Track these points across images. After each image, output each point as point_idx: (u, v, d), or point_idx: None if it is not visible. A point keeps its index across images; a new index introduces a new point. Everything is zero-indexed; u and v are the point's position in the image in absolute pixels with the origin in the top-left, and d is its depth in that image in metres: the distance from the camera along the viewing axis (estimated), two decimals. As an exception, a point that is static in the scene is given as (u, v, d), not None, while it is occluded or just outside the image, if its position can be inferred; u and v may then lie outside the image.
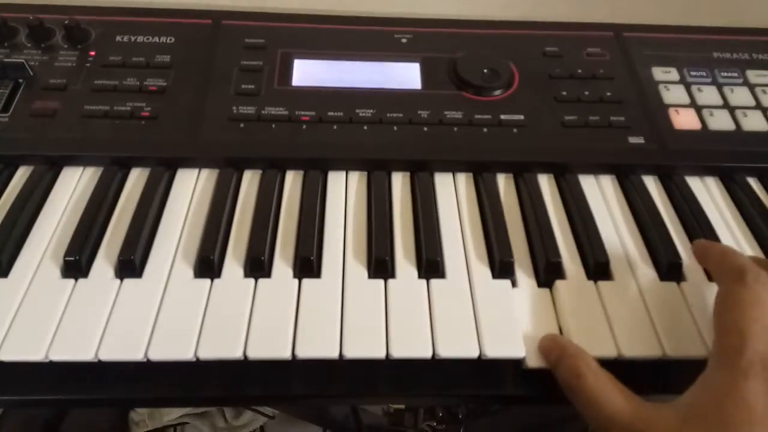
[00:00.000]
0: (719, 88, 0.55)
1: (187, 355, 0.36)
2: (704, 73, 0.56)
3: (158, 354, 0.36)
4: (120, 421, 0.90)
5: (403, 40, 0.57)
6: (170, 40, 0.55)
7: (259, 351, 0.36)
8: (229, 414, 0.91)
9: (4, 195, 0.45)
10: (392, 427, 0.85)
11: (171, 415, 0.90)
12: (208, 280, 0.40)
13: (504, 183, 0.48)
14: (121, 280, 0.40)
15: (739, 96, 0.54)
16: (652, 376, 0.38)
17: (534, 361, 0.37)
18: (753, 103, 0.53)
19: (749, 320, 0.32)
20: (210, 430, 0.92)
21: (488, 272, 0.42)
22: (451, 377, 0.38)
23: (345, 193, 0.47)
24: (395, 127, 0.50)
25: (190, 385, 0.37)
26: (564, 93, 0.53)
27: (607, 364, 0.35)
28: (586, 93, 0.53)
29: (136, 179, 0.47)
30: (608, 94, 0.53)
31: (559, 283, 0.41)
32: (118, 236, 0.42)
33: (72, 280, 0.40)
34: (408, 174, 0.49)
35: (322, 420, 0.84)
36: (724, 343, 0.33)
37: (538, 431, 0.73)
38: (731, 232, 0.46)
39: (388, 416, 0.87)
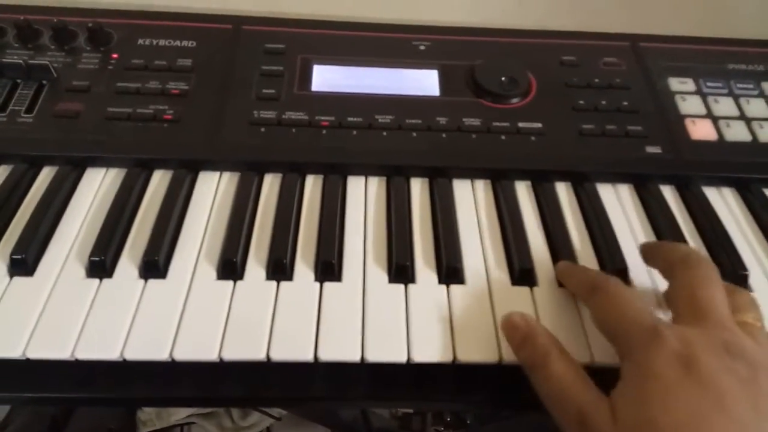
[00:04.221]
0: (735, 99, 0.55)
1: (212, 355, 0.36)
2: (720, 84, 0.56)
3: (183, 354, 0.36)
4: (127, 420, 0.91)
5: (422, 47, 0.57)
6: (192, 44, 0.55)
7: (282, 353, 0.37)
8: (236, 414, 0.92)
9: (29, 195, 0.46)
10: (400, 431, 0.85)
11: (178, 414, 0.90)
12: (231, 282, 0.40)
13: (522, 191, 0.49)
14: (146, 280, 0.40)
15: (756, 107, 0.54)
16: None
17: None
18: (769, 114, 0.54)
19: (620, 311, 0.33)
20: (217, 430, 0.92)
21: (507, 279, 0.42)
22: (470, 382, 0.39)
23: (364, 198, 0.47)
24: (414, 134, 0.50)
25: (212, 385, 0.38)
26: (581, 102, 0.53)
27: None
28: (603, 102, 0.53)
29: (159, 181, 0.47)
30: (625, 103, 0.53)
31: (576, 291, 0.41)
32: (142, 237, 0.43)
33: (97, 280, 0.40)
34: (427, 180, 0.49)
35: (331, 422, 0.85)
36: (618, 343, 0.33)
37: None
38: (748, 242, 0.46)
39: (396, 419, 0.87)
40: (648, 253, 0.41)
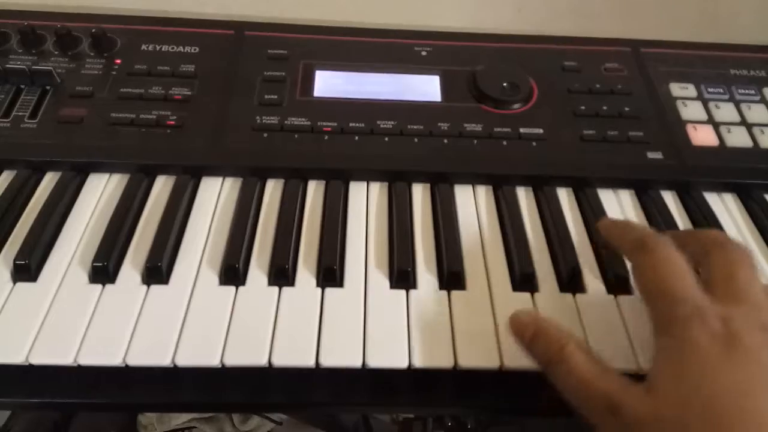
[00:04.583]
0: (737, 104, 0.55)
1: (214, 361, 0.36)
2: (721, 90, 0.56)
3: (185, 360, 0.36)
4: (128, 424, 0.91)
5: (423, 53, 0.58)
6: (194, 49, 0.56)
7: (284, 359, 0.37)
8: (237, 419, 0.92)
9: (32, 200, 0.46)
10: (401, 436, 0.85)
11: (179, 419, 0.90)
12: (233, 288, 0.41)
13: (524, 196, 0.49)
14: (148, 286, 0.40)
15: (757, 113, 0.54)
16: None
17: None
18: (770, 120, 0.54)
19: (666, 280, 0.33)
20: (218, 435, 0.92)
21: (509, 284, 0.42)
22: (471, 387, 0.39)
23: (366, 203, 0.48)
24: (416, 139, 0.50)
25: (214, 391, 0.38)
26: (582, 107, 0.53)
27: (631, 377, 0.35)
28: (605, 108, 0.53)
29: (162, 186, 0.48)
30: (626, 109, 0.53)
31: (578, 297, 0.41)
32: (145, 243, 0.43)
33: (99, 286, 0.40)
34: (428, 185, 0.49)
35: (332, 427, 0.85)
36: (657, 311, 0.33)
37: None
38: (748, 247, 0.46)
39: (397, 424, 0.87)
40: (679, 240, 0.39)
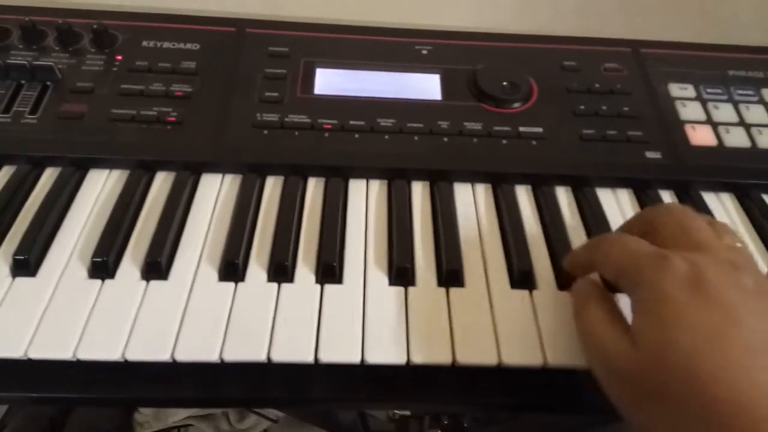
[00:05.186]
0: (735, 105, 0.55)
1: (213, 356, 0.37)
2: (720, 91, 0.56)
3: (184, 355, 0.37)
4: (124, 422, 0.91)
5: (424, 52, 0.58)
6: (195, 46, 0.56)
7: (283, 354, 0.37)
8: (233, 417, 0.92)
9: (32, 195, 0.46)
10: (398, 434, 0.85)
11: (176, 416, 0.90)
12: (233, 284, 0.41)
13: (523, 194, 0.49)
14: (148, 281, 0.40)
15: (755, 113, 0.55)
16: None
17: (557, 361, 0.38)
18: (768, 120, 0.54)
19: (625, 247, 0.34)
20: (214, 432, 0.92)
21: (507, 282, 0.42)
22: (470, 384, 0.39)
23: (366, 201, 0.48)
24: (416, 137, 0.50)
25: (213, 386, 0.38)
26: (582, 107, 0.53)
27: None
28: (604, 107, 0.53)
29: (162, 182, 0.48)
30: (626, 109, 0.54)
31: (576, 295, 0.41)
32: (145, 238, 0.43)
33: (99, 281, 0.40)
34: (428, 183, 0.49)
35: (329, 424, 0.85)
36: (625, 280, 0.34)
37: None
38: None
39: (393, 422, 0.87)
40: (625, 228, 0.40)
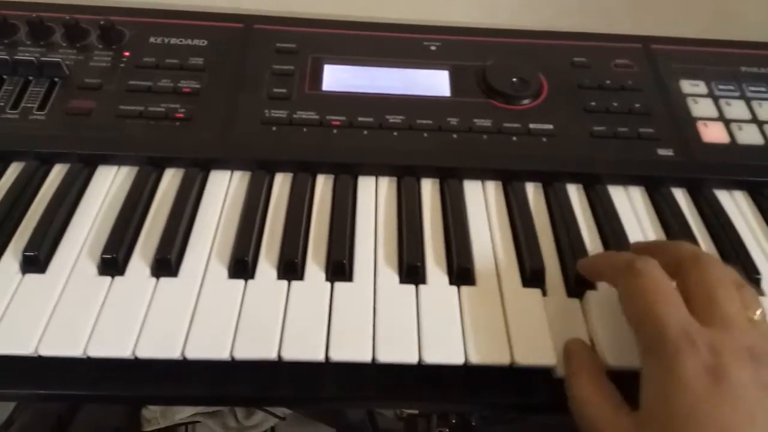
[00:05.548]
0: (747, 102, 0.55)
1: (223, 354, 0.36)
2: (732, 87, 0.56)
3: (194, 353, 0.36)
4: (132, 418, 0.91)
5: (432, 48, 0.57)
6: (203, 42, 0.55)
7: (294, 353, 0.37)
8: (241, 414, 0.92)
9: (41, 192, 0.46)
10: (406, 432, 0.85)
11: (183, 413, 0.90)
12: (242, 281, 0.40)
13: (533, 192, 0.49)
14: (157, 278, 0.40)
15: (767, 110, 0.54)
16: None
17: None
18: (781, 117, 0.54)
19: (653, 304, 0.32)
20: (221, 429, 0.92)
21: (519, 280, 0.42)
22: (481, 384, 0.39)
23: (375, 198, 0.47)
24: (425, 134, 0.50)
25: (223, 384, 0.38)
26: (593, 104, 0.53)
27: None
28: (615, 104, 0.53)
29: (171, 179, 0.48)
30: (637, 105, 0.53)
31: (589, 294, 0.41)
32: (154, 235, 0.43)
33: (109, 278, 0.40)
34: (437, 180, 0.49)
35: (337, 423, 0.85)
36: (644, 335, 0.33)
37: (554, 440, 0.73)
38: (760, 245, 0.46)
39: (401, 421, 0.87)
40: (590, 270, 0.40)
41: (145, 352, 0.36)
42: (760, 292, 0.42)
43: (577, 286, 0.42)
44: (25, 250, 0.40)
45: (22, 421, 0.81)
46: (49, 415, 0.82)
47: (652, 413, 0.31)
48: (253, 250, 0.42)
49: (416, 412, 0.85)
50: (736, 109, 0.54)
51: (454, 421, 0.85)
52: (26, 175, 0.46)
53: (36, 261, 0.40)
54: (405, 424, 0.83)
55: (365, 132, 0.50)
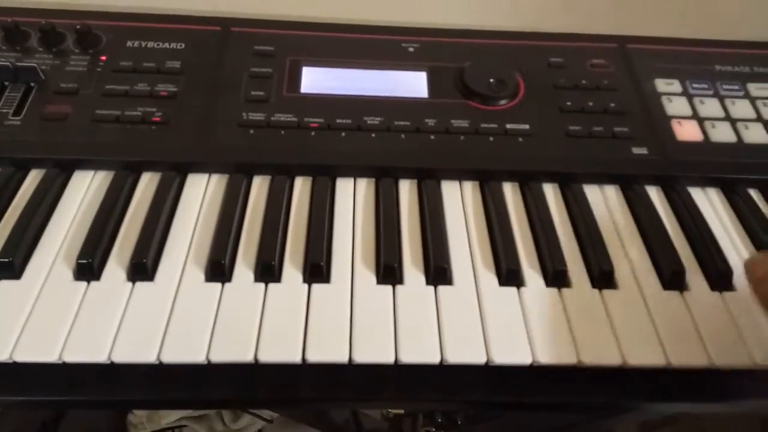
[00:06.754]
0: (721, 100, 0.55)
1: (199, 358, 0.36)
2: (706, 86, 0.57)
3: (171, 357, 0.36)
4: (118, 423, 0.90)
5: (411, 49, 0.58)
6: (180, 46, 0.55)
7: (270, 355, 0.37)
8: (227, 417, 0.91)
9: (16, 198, 0.46)
10: (391, 432, 0.85)
11: (169, 417, 0.90)
12: (219, 284, 0.40)
13: (510, 192, 0.49)
14: (133, 283, 0.40)
15: (741, 108, 0.55)
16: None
17: (545, 359, 0.38)
18: (754, 115, 0.54)
19: None
20: (208, 433, 0.92)
21: (495, 279, 0.43)
22: (458, 383, 0.39)
23: (353, 199, 0.48)
24: (403, 135, 0.50)
25: (200, 387, 0.38)
26: (569, 103, 0.53)
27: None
28: (591, 104, 0.54)
29: (147, 183, 0.47)
30: (612, 105, 0.54)
31: (564, 291, 0.41)
32: (130, 240, 0.43)
33: (84, 283, 0.40)
34: (415, 181, 0.49)
35: (322, 423, 0.85)
36: None
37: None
38: (732, 242, 0.47)
39: (387, 421, 0.87)
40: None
41: (122, 357, 0.36)
42: (732, 288, 0.43)
43: (554, 284, 0.42)
44: (0, 256, 0.40)
45: (5, 429, 0.80)
46: (34, 421, 0.82)
47: None
48: (230, 252, 0.42)
49: (402, 412, 0.85)
50: (710, 107, 0.55)
51: (439, 420, 0.86)
52: (1, 181, 0.46)
53: (11, 267, 0.40)
54: (390, 424, 0.83)
55: (343, 134, 0.50)
